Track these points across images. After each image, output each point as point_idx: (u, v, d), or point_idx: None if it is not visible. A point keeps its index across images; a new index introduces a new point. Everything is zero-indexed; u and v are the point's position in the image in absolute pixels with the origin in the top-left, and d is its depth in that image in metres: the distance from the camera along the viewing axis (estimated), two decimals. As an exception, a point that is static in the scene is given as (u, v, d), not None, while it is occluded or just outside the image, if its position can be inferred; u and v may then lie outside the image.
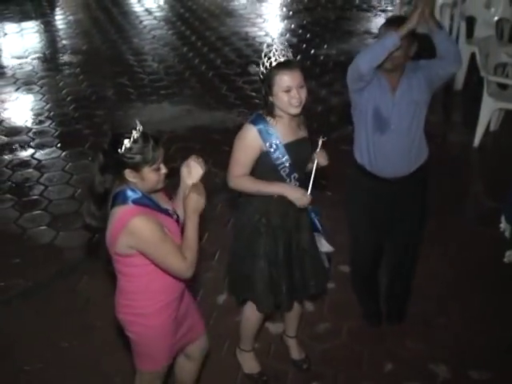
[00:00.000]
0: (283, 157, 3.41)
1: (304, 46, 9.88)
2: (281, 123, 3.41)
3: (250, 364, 4.07)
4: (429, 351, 4.20)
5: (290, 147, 3.42)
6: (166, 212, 2.99)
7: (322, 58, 9.39)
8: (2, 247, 5.33)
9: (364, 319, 4.45)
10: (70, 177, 6.39)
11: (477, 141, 6.74)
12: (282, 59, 3.29)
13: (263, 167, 3.44)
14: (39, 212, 5.82)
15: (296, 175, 3.49)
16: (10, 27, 11.58)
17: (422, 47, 3.69)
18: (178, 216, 3.08)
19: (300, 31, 10.63)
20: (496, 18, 8.15)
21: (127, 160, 2.80)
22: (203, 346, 3.52)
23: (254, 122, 3.41)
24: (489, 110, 6.67)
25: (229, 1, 12.33)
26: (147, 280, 2.99)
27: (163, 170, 2.91)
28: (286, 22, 11.27)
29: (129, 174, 2.84)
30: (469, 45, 7.72)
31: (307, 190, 3.44)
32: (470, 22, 8.25)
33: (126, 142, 2.78)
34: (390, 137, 3.74)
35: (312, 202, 3.48)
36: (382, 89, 3.68)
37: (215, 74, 9.00)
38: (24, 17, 12.07)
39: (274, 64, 3.28)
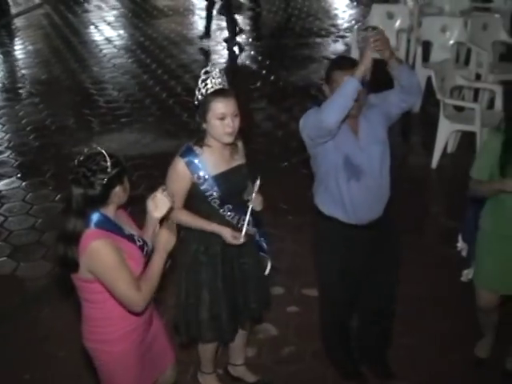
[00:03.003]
0: (212, 189, 3.41)
1: (264, 72, 9.99)
2: (211, 153, 3.41)
3: None
4: (394, 371, 4.22)
5: (220, 178, 3.42)
6: (129, 237, 2.98)
7: (281, 83, 9.49)
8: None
9: (346, 380, 4.19)
10: (30, 207, 6.33)
11: (435, 162, 6.87)
12: (218, 87, 3.30)
13: (196, 198, 3.45)
14: (-1, 243, 5.76)
15: (230, 206, 3.49)
16: (-31, 58, 11.50)
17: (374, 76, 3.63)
18: (144, 243, 3.06)
19: (259, 58, 10.74)
20: (451, 42, 8.36)
21: (116, 176, 2.84)
22: (170, 374, 3.50)
23: (183, 155, 3.42)
24: (445, 132, 6.81)
25: (189, 28, 12.40)
26: (110, 306, 2.96)
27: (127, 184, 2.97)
28: (246, 49, 11.36)
29: (119, 190, 2.88)
30: (425, 68, 7.88)
31: (243, 227, 3.45)
32: (426, 46, 8.44)
33: (108, 161, 2.82)
34: (365, 182, 3.62)
35: (250, 238, 3.52)
36: (345, 135, 3.56)
37: (176, 101, 9.03)
38: (-18, 47, 12.01)
39: (210, 91, 3.29)
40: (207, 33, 11.95)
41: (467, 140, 6.98)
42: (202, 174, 3.39)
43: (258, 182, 3.46)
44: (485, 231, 3.89)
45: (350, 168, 3.58)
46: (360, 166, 3.58)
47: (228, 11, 11.64)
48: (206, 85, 3.30)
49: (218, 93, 3.30)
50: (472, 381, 4.15)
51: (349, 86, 3.30)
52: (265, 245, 3.79)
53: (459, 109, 7.12)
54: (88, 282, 2.90)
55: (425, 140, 7.45)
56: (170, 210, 3.04)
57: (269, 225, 5.64)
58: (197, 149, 3.41)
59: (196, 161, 3.39)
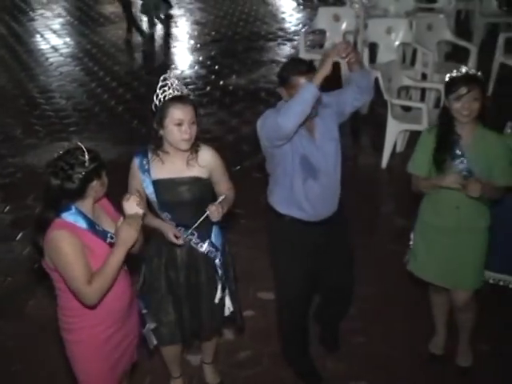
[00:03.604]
0: (151, 193, 3.46)
1: (213, 77, 9.98)
2: (164, 158, 3.45)
3: None
4: (349, 370, 4.27)
5: (160, 184, 3.45)
6: (100, 234, 2.99)
7: (231, 88, 9.49)
8: None
9: (303, 381, 4.23)
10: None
11: (384, 162, 6.96)
12: (176, 93, 3.34)
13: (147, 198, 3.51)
14: None
15: (168, 215, 3.51)
16: None
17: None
18: None
19: (209, 63, 10.73)
20: (397, 43, 8.47)
21: (94, 170, 2.92)
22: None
23: (137, 154, 3.51)
24: (394, 132, 6.90)
25: (136, 35, 12.32)
26: (71, 296, 2.98)
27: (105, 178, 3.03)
28: (194, 54, 11.34)
29: (96, 185, 2.96)
30: (372, 70, 7.94)
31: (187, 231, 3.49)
32: (373, 47, 8.54)
33: (86, 155, 2.89)
34: (321, 180, 3.70)
35: (185, 241, 3.52)
36: (301, 135, 3.60)
37: (125, 108, 8.96)
38: None
39: (168, 97, 3.32)
40: (141, 33, 12.17)
41: (415, 139, 7.05)
42: (145, 175, 3.45)
43: (221, 198, 3.45)
44: (421, 221, 3.98)
45: (306, 167, 3.65)
46: (316, 164, 3.66)
47: (126, 8, 12.15)
48: (164, 91, 3.34)
49: (176, 99, 3.34)
50: (426, 377, 4.21)
51: (308, 93, 3.35)
52: (220, 271, 3.68)
53: (407, 109, 7.23)
54: (51, 269, 2.96)
55: (374, 140, 7.54)
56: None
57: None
58: (151, 151, 3.47)
59: (144, 162, 3.46)
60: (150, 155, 3.47)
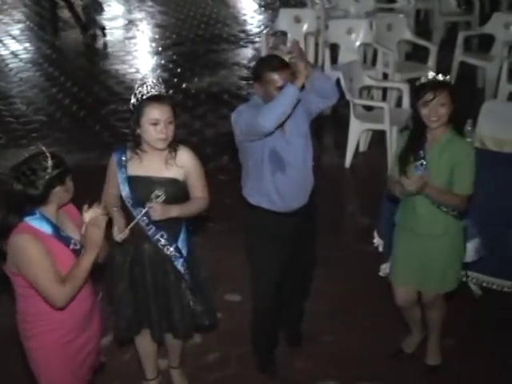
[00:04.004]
0: (125, 189, 3.47)
1: (175, 80, 9.93)
2: (142, 157, 3.48)
3: None
4: (318, 369, 4.29)
5: (134, 181, 3.47)
6: (64, 239, 2.96)
7: (193, 91, 9.46)
8: None
9: (262, 371, 4.30)
10: None
11: (348, 162, 7.00)
12: (153, 93, 3.37)
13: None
14: None
15: (141, 209, 3.46)
16: None
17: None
18: (81, 247, 3.02)
19: (170, 66, 10.69)
20: (358, 43, 8.53)
21: (57, 176, 2.88)
22: None
23: (116, 151, 3.55)
24: (356, 131, 6.95)
25: (97, 39, 12.22)
26: (32, 301, 2.96)
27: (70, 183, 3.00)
28: (155, 57, 11.29)
29: (59, 190, 2.92)
30: (334, 70, 7.99)
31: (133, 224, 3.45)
32: (334, 48, 8.59)
33: (49, 161, 2.86)
34: (290, 173, 3.77)
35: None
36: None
37: (87, 113, 8.88)
38: None
39: (145, 96, 3.35)
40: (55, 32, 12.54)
41: (378, 138, 7.15)
42: (122, 173, 3.47)
43: (160, 195, 3.40)
44: (397, 226, 4.00)
45: (275, 160, 3.72)
46: (285, 158, 3.73)
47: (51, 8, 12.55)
48: (142, 91, 3.37)
49: (153, 98, 3.37)
50: (393, 374, 4.24)
51: (289, 95, 3.45)
52: (185, 275, 3.66)
53: (369, 108, 7.28)
54: (14, 274, 2.93)
55: (337, 140, 7.58)
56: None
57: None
58: (129, 149, 3.50)
59: (123, 158, 3.50)
60: (128, 152, 3.51)
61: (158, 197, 3.40)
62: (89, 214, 3.00)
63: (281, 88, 3.56)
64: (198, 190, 3.64)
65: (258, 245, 4.03)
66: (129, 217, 3.51)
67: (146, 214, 3.43)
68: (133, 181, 3.48)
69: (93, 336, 3.25)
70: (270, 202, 3.85)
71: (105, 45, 12.15)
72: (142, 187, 3.46)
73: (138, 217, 3.43)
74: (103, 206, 3.16)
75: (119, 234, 3.40)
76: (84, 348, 3.18)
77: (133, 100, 3.40)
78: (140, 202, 3.47)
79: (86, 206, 3.03)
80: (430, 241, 3.81)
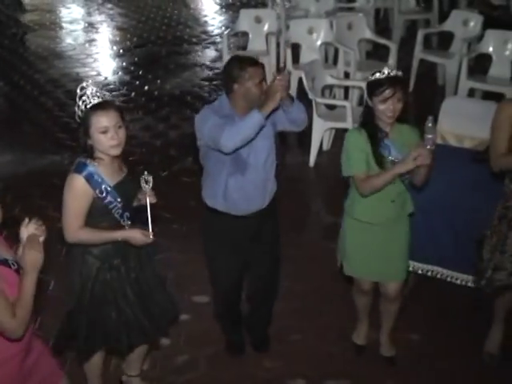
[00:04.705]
0: (115, 199, 3.40)
1: (137, 82, 9.87)
2: (104, 165, 3.38)
3: None
4: (287, 368, 4.30)
5: (118, 188, 3.42)
6: (3, 262, 2.86)
7: (156, 93, 9.41)
8: None
9: (228, 350, 4.42)
10: None
11: (312, 161, 7.04)
12: (96, 100, 3.28)
13: (95, 213, 3.38)
14: None
15: (128, 214, 3.49)
16: None
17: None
18: (19, 267, 2.90)
19: (132, 68, 10.61)
20: (319, 43, 8.57)
21: None
22: None
23: (79, 171, 3.34)
24: (320, 130, 6.99)
25: (57, 43, 12.10)
26: None
27: None
28: (117, 60, 11.20)
29: None
30: (296, 70, 8.04)
31: (146, 228, 3.46)
32: (296, 48, 8.61)
33: None
34: (249, 176, 3.78)
35: (155, 237, 3.49)
36: None
37: (48, 117, 8.77)
38: None
39: (88, 106, 3.27)
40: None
41: (341, 137, 7.16)
42: (103, 187, 3.35)
43: (149, 179, 3.47)
44: (350, 219, 4.01)
45: (236, 162, 3.72)
46: (248, 159, 3.73)
47: None
48: (84, 101, 3.28)
49: (97, 107, 3.28)
50: (360, 370, 4.28)
51: (254, 123, 3.51)
52: (152, 254, 3.77)
53: (331, 107, 7.33)
54: None
55: (301, 139, 7.60)
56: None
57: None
58: (90, 163, 3.35)
59: (95, 175, 3.34)
60: (91, 166, 3.35)
61: (147, 182, 3.46)
62: (27, 231, 2.86)
63: (260, 83, 3.63)
64: None
65: (215, 247, 4.05)
66: (112, 227, 3.46)
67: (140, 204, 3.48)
68: (118, 189, 3.41)
69: (39, 355, 3.13)
70: (225, 203, 3.84)
71: None
72: (123, 192, 3.43)
73: (148, 210, 3.45)
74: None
75: (149, 236, 3.44)
76: (35, 371, 3.08)
77: (77, 112, 3.30)
78: (127, 206, 3.47)
79: (26, 221, 2.89)
80: (398, 225, 3.89)
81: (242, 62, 3.69)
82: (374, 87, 3.67)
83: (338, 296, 4.89)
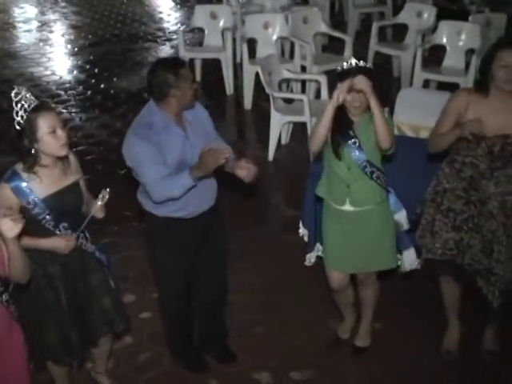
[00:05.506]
0: (44, 212, 3.32)
1: (93, 81, 9.78)
2: (42, 175, 3.30)
3: None
4: (251, 362, 4.31)
5: (51, 200, 3.33)
6: None
7: (112, 91, 9.34)
8: None
9: (189, 370, 4.26)
10: None
11: (271, 155, 7.04)
12: (35, 102, 3.23)
13: (28, 222, 3.17)
14: None
15: (65, 224, 3.41)
16: None
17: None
18: None
19: (88, 67, 10.50)
20: (275, 37, 8.58)
21: None
22: None
23: (8, 180, 3.29)
24: (278, 124, 6.99)
25: (10, 42, 11.91)
26: None
27: None
28: (72, 58, 11.07)
29: None
30: (252, 65, 8.04)
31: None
32: (252, 43, 8.61)
33: None
34: None
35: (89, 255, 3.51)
36: (175, 136, 3.63)
37: (2, 118, 8.62)
38: None
39: (29, 109, 3.20)
40: None
41: (299, 130, 7.22)
42: (31, 198, 3.27)
43: (106, 196, 3.48)
44: (325, 207, 4.02)
45: (180, 165, 3.60)
46: (190, 161, 3.61)
47: None
48: (23, 105, 3.20)
49: (39, 108, 3.23)
50: (326, 360, 4.32)
51: (184, 184, 3.49)
52: (105, 260, 3.69)
53: (289, 101, 7.33)
54: None
55: (259, 134, 7.62)
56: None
57: (114, 233, 5.61)
58: (24, 173, 3.28)
59: (23, 185, 3.27)
60: (25, 176, 3.28)
61: (103, 198, 3.47)
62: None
63: (192, 82, 3.63)
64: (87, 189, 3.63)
65: (159, 251, 3.94)
66: (47, 236, 3.39)
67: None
68: (49, 201, 3.32)
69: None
70: (175, 207, 3.72)
71: None
72: (57, 204, 3.34)
73: (86, 221, 3.44)
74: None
75: (71, 241, 3.42)
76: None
77: (17, 119, 3.20)
78: (62, 217, 3.38)
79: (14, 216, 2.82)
80: (370, 214, 3.87)
81: (173, 66, 3.59)
82: (340, 78, 3.65)
83: (299, 289, 4.92)
